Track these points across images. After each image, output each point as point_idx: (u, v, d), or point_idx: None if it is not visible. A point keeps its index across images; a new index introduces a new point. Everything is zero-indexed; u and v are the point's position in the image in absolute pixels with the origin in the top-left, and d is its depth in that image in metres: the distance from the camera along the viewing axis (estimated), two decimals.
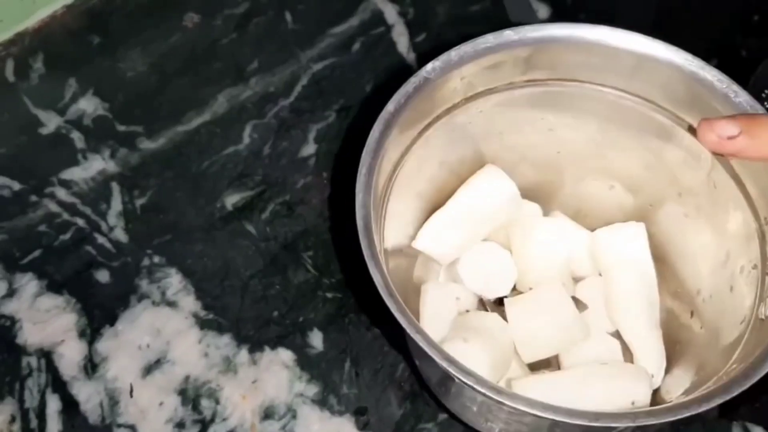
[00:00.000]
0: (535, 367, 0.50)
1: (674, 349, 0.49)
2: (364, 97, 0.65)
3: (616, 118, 0.48)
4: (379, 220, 0.44)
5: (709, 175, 0.46)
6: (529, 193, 0.53)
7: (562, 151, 0.52)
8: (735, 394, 0.37)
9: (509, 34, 0.45)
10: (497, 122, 0.50)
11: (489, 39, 0.45)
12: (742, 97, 0.43)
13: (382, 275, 0.39)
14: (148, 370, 0.55)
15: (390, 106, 0.43)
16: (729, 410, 0.51)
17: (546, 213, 0.54)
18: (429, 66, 0.44)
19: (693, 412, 0.36)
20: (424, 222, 0.51)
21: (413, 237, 0.51)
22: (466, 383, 0.37)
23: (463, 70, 0.45)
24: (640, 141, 0.49)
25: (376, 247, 0.40)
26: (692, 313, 0.48)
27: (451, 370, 0.37)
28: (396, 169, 0.46)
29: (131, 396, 0.54)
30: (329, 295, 0.57)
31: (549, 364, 0.50)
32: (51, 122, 0.63)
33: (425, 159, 0.49)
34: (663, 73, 0.45)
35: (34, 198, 0.60)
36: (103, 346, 0.55)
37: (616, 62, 0.46)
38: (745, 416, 0.51)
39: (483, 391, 0.37)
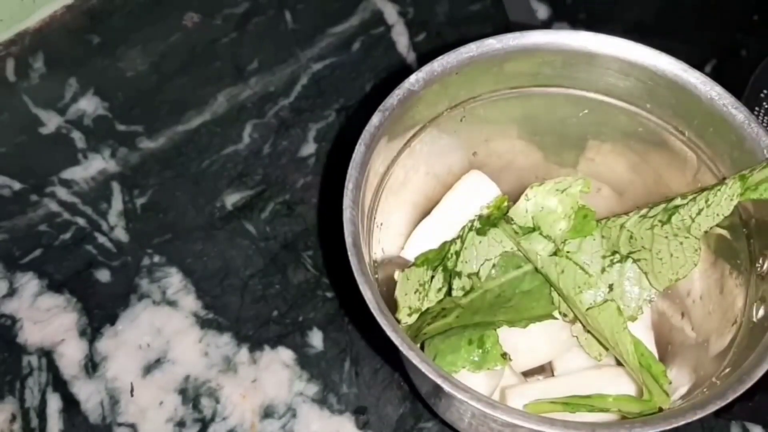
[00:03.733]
0: (529, 373, 0.50)
1: (666, 350, 0.49)
2: (364, 97, 0.65)
3: (601, 122, 0.48)
4: (368, 232, 0.44)
5: (695, 177, 0.46)
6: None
7: (547, 156, 0.52)
8: (729, 400, 0.37)
9: (491, 43, 0.45)
10: (482, 130, 0.50)
11: (472, 48, 0.44)
12: (726, 99, 0.43)
13: (372, 292, 0.39)
14: (149, 369, 0.55)
15: (375, 120, 0.43)
16: (723, 409, 0.51)
17: None
18: (412, 78, 0.44)
19: (689, 420, 0.36)
20: (413, 231, 0.51)
21: (403, 246, 0.51)
22: (461, 399, 0.37)
23: (447, 80, 0.45)
24: (626, 144, 0.49)
25: (365, 262, 0.40)
26: (683, 315, 0.49)
27: (445, 386, 0.37)
28: (383, 180, 0.46)
29: (132, 395, 0.54)
30: (329, 294, 0.57)
31: (543, 369, 0.50)
32: (51, 122, 0.63)
33: (412, 169, 0.49)
34: (647, 77, 0.45)
35: (34, 197, 0.60)
36: (103, 345, 0.55)
37: (599, 67, 0.46)
38: (738, 415, 0.51)
39: (479, 407, 0.36)
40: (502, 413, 0.36)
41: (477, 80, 0.46)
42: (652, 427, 0.36)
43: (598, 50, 0.45)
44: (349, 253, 0.40)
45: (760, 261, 0.42)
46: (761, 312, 0.41)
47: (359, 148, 0.42)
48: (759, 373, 0.37)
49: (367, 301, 0.39)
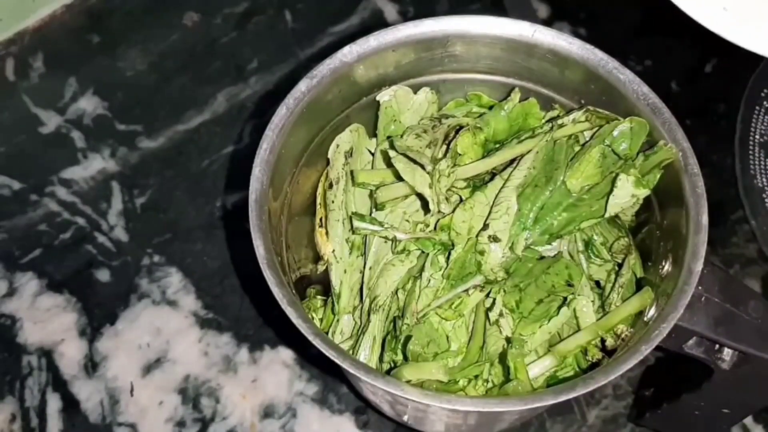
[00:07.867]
0: None
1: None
2: None
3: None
4: (284, 200, 0.43)
5: None
6: None
7: None
8: (588, 390, 0.35)
9: (430, 24, 0.43)
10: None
11: (410, 26, 0.43)
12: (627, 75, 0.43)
13: (266, 248, 0.39)
14: (149, 369, 0.55)
15: (302, 86, 0.42)
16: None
17: None
18: (346, 49, 0.43)
19: (545, 403, 0.35)
20: None
21: None
22: (351, 373, 0.36)
23: (382, 57, 0.44)
24: None
25: (265, 220, 0.40)
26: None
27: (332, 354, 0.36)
28: (305, 152, 0.45)
29: (131, 395, 0.54)
30: None
31: None
32: (51, 121, 0.63)
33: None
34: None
35: (34, 197, 0.60)
36: (103, 345, 0.55)
37: (511, 52, 0.45)
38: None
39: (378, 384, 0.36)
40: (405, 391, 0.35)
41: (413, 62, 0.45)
42: (507, 405, 0.36)
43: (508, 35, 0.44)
44: (249, 209, 0.40)
45: (663, 263, 0.41)
46: (652, 311, 0.40)
47: (280, 111, 0.42)
48: (624, 368, 0.36)
49: (258, 257, 0.39)
